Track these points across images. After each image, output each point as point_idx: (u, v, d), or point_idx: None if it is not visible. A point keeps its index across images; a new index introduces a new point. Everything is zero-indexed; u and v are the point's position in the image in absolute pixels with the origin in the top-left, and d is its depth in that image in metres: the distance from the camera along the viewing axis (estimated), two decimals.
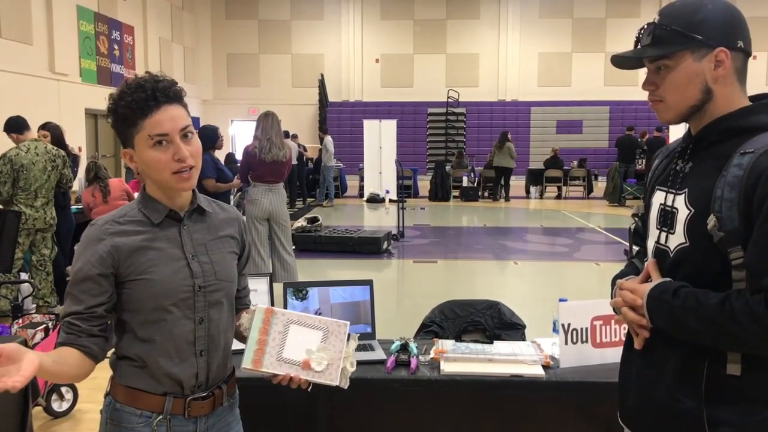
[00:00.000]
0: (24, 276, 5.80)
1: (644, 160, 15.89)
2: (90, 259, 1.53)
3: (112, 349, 1.62)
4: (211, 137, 6.36)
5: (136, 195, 1.73)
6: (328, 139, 15.81)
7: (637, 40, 1.54)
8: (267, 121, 6.22)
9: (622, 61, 1.56)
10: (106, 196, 6.59)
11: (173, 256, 1.58)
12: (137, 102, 1.51)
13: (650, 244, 1.60)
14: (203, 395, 1.62)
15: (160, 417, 1.56)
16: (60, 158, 5.94)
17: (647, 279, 1.55)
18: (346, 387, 1.60)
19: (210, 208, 1.70)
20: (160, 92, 1.53)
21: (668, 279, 1.49)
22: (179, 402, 1.58)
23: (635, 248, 1.76)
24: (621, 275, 1.70)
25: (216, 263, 1.64)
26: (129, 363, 1.59)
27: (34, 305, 5.79)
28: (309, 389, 1.60)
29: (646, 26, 1.52)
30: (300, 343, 1.58)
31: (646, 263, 1.61)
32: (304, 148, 16.78)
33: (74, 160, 6.68)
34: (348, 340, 1.63)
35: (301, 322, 1.61)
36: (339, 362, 1.58)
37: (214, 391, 1.64)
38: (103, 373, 1.62)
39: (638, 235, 1.73)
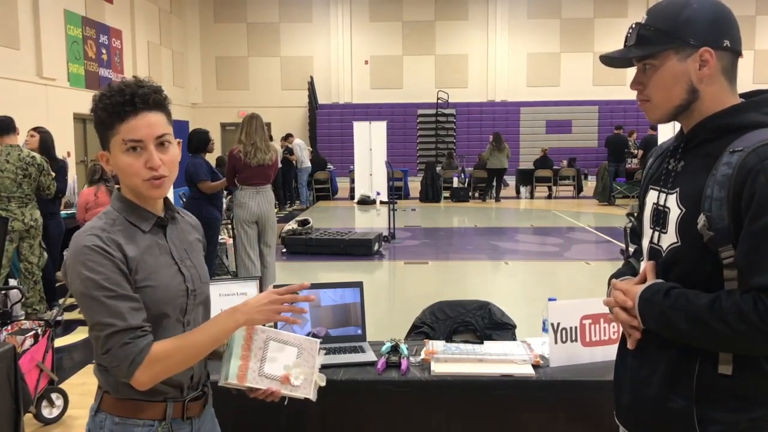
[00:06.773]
0: (12, 283, 5.73)
1: (635, 159, 15.98)
2: (113, 261, 1.47)
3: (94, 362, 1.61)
4: (202, 140, 6.38)
5: None
6: (298, 141, 15.86)
7: (626, 40, 1.54)
8: (251, 125, 6.17)
9: (610, 61, 1.56)
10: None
11: (166, 263, 1.58)
12: (114, 106, 1.49)
13: (645, 243, 1.59)
14: (197, 395, 1.64)
15: (163, 423, 1.57)
16: (34, 166, 5.70)
17: (644, 281, 1.53)
18: (314, 399, 1.67)
19: (178, 214, 1.71)
20: (139, 98, 1.49)
21: (660, 280, 1.48)
22: (178, 405, 1.59)
23: (632, 248, 1.74)
24: (617, 275, 1.69)
25: (198, 266, 1.67)
26: None
27: (23, 313, 5.74)
28: (285, 402, 1.66)
29: (633, 26, 1.52)
30: (278, 358, 1.65)
31: (642, 263, 1.60)
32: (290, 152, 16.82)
33: (63, 167, 6.55)
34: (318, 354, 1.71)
35: (278, 338, 1.68)
36: (312, 377, 1.67)
37: (204, 390, 1.68)
38: (92, 378, 1.61)
39: (634, 234, 1.72)
